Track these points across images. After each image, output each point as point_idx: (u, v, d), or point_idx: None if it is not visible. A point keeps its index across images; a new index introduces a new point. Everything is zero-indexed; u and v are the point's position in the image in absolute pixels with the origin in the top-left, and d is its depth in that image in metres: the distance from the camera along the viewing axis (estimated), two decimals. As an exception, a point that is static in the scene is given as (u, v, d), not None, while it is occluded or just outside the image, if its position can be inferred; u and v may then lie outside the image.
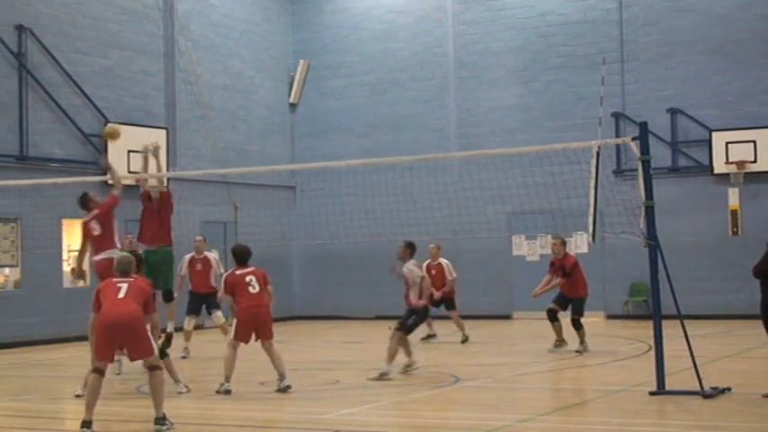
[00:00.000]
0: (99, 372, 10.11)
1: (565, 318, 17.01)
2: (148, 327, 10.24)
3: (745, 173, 23.11)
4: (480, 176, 22.52)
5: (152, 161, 15.15)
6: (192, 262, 17.75)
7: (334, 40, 27.73)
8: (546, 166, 20.69)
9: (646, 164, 11.94)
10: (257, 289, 12.57)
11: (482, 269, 25.43)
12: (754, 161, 22.98)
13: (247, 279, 12.57)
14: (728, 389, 11.64)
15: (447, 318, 19.56)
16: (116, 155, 22.23)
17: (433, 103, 26.58)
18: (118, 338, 10.08)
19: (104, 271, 12.52)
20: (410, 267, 14.23)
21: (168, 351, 12.95)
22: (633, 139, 12.24)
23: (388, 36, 27.13)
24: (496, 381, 13.79)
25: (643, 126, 12.22)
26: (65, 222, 21.79)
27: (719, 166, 23.31)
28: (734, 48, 23.65)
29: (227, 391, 12.33)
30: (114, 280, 10.42)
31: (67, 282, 22.05)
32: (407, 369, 14.05)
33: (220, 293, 14.79)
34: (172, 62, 24.42)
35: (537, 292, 17.34)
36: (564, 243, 17.33)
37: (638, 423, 10.15)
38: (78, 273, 13.59)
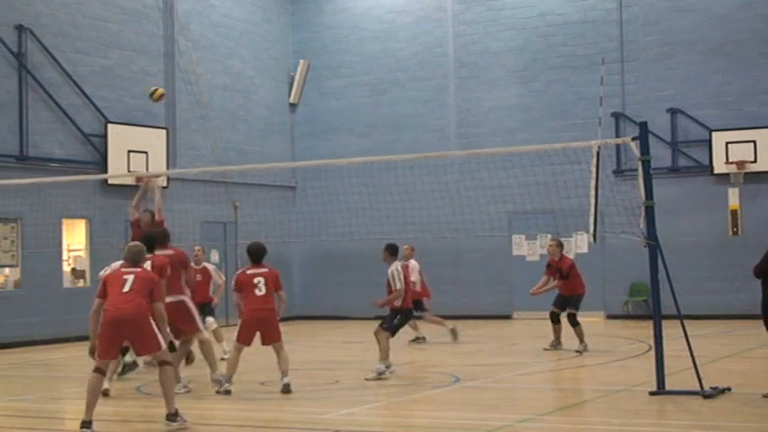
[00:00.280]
0: (100, 371, 10.03)
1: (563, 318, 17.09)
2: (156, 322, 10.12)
3: (745, 173, 23.11)
4: (481, 176, 22.52)
5: (157, 192, 14.95)
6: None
7: (334, 40, 27.72)
8: (546, 166, 20.71)
9: (646, 164, 11.94)
10: (263, 291, 12.51)
11: (482, 269, 25.44)
12: (754, 161, 22.98)
13: (255, 281, 12.52)
14: (728, 389, 11.64)
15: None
16: (116, 154, 22.31)
17: (433, 103, 26.58)
18: (122, 335, 9.98)
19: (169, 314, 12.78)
20: (395, 269, 14.13)
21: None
22: (633, 139, 12.25)
23: (388, 36, 27.12)
24: (496, 381, 13.79)
25: (643, 126, 12.22)
26: (65, 222, 21.81)
27: (719, 166, 23.31)
28: (734, 48, 23.65)
29: (227, 392, 12.32)
30: (122, 270, 10.27)
31: (67, 282, 22.07)
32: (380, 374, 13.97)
33: (216, 300, 14.71)
34: (172, 62, 24.42)
35: (534, 291, 17.47)
36: (560, 245, 17.37)
37: (638, 423, 10.15)
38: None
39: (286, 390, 12.29)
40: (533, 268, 24.14)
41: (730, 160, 23.14)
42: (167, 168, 22.97)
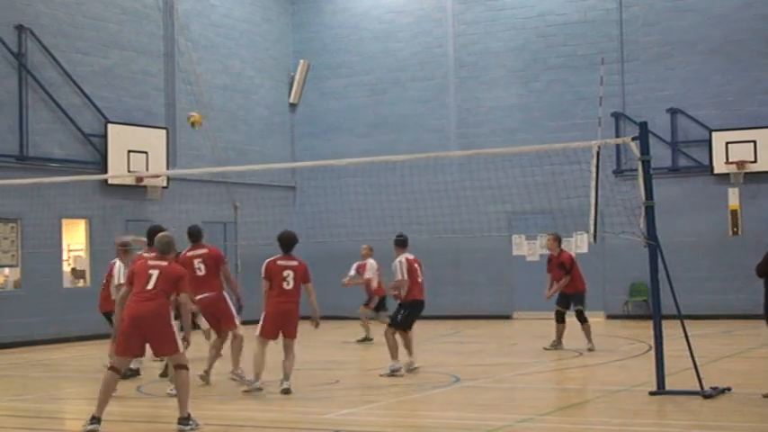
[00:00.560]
0: (115, 370, 9.99)
1: (570, 317, 17.11)
2: (176, 321, 10.10)
3: (745, 173, 23.11)
4: (480, 176, 22.51)
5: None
6: None
7: (334, 40, 27.72)
8: (546, 166, 20.71)
9: (646, 164, 11.93)
10: (291, 285, 12.34)
11: (482, 269, 25.44)
12: (754, 161, 22.98)
13: (285, 273, 12.35)
14: (728, 389, 11.64)
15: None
16: (116, 154, 22.31)
17: (433, 103, 26.58)
18: (141, 333, 9.89)
19: (208, 310, 13.20)
20: (399, 261, 14.19)
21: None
22: (633, 139, 12.24)
23: (388, 36, 27.12)
24: (496, 381, 13.79)
25: (643, 126, 12.22)
26: (65, 222, 21.80)
27: (719, 166, 23.30)
28: (734, 48, 23.65)
29: (259, 389, 12.27)
30: (150, 263, 10.16)
31: (67, 282, 22.07)
32: (409, 368, 14.06)
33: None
34: (172, 62, 24.42)
35: (548, 295, 17.43)
36: (557, 239, 17.40)
37: (638, 423, 10.15)
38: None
39: (285, 392, 12.27)
40: (533, 268, 24.16)
41: (730, 160, 23.14)
42: (167, 168, 22.96)
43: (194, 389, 12.73)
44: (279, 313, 12.36)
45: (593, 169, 12.13)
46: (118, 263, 16.05)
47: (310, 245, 26.24)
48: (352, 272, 20.05)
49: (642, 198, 11.94)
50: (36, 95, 21.28)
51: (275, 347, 12.70)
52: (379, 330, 19.28)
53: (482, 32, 26.06)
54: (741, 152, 23.06)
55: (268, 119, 27.41)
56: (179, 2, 24.63)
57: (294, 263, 12.48)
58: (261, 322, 12.47)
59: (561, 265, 17.07)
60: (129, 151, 22.44)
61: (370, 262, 19.60)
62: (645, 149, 11.98)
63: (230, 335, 13.20)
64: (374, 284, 19.61)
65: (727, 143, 23.19)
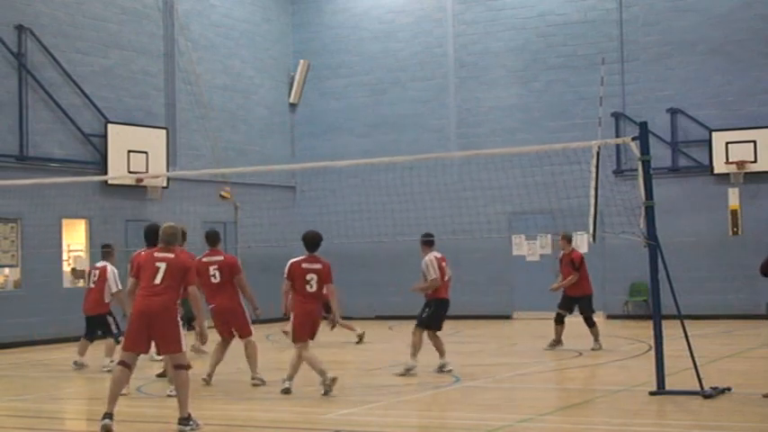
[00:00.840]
0: (125, 364, 9.95)
1: (575, 318, 17.11)
2: (181, 315, 10.11)
3: (745, 173, 23.11)
4: (480, 176, 22.49)
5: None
6: None
7: (334, 40, 27.72)
8: (546, 166, 20.69)
9: (646, 164, 11.93)
10: (314, 289, 12.34)
11: (482, 269, 25.42)
12: (755, 161, 22.98)
13: (308, 277, 12.35)
14: (728, 389, 11.64)
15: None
16: (116, 154, 22.31)
17: (433, 103, 26.58)
18: (149, 328, 9.85)
19: (224, 317, 13.27)
20: (429, 259, 14.23)
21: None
22: (633, 139, 12.25)
23: (388, 36, 27.12)
24: (496, 381, 13.79)
25: (643, 126, 12.22)
26: (65, 222, 21.80)
27: (719, 166, 23.30)
28: (734, 48, 23.65)
29: (287, 390, 12.22)
30: (156, 255, 10.08)
31: (67, 282, 22.06)
32: (441, 369, 14.08)
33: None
34: (172, 62, 24.42)
35: (554, 286, 17.57)
36: (567, 239, 17.44)
37: (638, 423, 10.15)
38: None
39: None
40: (533, 268, 24.18)
41: (730, 160, 23.14)
42: (167, 168, 22.96)
43: (195, 389, 12.74)
44: (305, 315, 12.33)
45: (593, 169, 12.13)
46: (110, 267, 16.06)
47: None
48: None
49: (642, 198, 11.94)
50: (36, 95, 21.28)
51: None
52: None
53: (482, 32, 26.06)
54: (741, 152, 23.05)
55: (268, 119, 27.41)
56: (179, 2, 24.63)
57: (318, 266, 12.45)
58: (292, 329, 12.39)
59: (571, 263, 17.12)
60: (129, 151, 22.44)
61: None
62: (645, 149, 11.97)
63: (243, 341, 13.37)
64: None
65: (727, 143, 23.18)
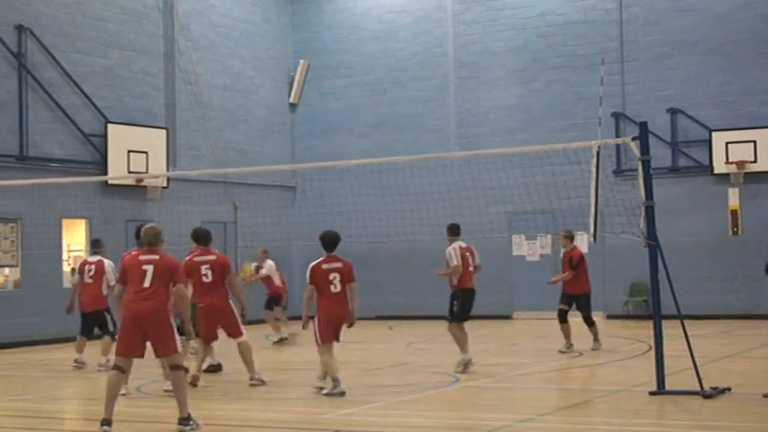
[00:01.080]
0: (119, 369, 9.95)
1: (575, 318, 17.09)
2: (173, 316, 10.07)
3: (745, 173, 23.11)
4: (480, 176, 22.51)
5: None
6: None
7: (334, 40, 27.72)
8: (546, 166, 20.69)
9: (646, 164, 11.93)
10: (338, 289, 12.19)
11: (482, 269, 25.35)
12: (755, 161, 22.98)
13: (331, 277, 12.19)
14: (728, 389, 11.63)
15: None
16: (116, 155, 22.32)
17: (433, 103, 26.58)
18: (143, 332, 9.83)
19: (214, 317, 13.12)
20: (452, 248, 14.41)
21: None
22: (633, 139, 12.24)
23: (388, 36, 27.12)
24: (496, 381, 13.79)
25: (643, 126, 12.21)
26: (65, 222, 21.81)
27: (719, 166, 23.30)
28: (734, 48, 23.65)
29: (342, 393, 12.01)
30: (141, 258, 10.02)
31: (67, 282, 22.02)
32: (466, 367, 14.13)
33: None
34: (172, 62, 24.42)
35: (553, 279, 17.65)
36: (569, 237, 17.41)
37: (638, 423, 10.15)
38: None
39: (341, 394, 12.02)
40: (533, 268, 24.18)
41: (730, 160, 23.14)
42: (167, 168, 22.96)
43: (195, 389, 12.74)
44: (332, 316, 12.20)
45: (594, 169, 12.13)
46: (106, 261, 16.04)
47: (310, 245, 26.26)
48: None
49: (642, 198, 11.93)
50: (36, 95, 21.28)
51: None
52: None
53: (482, 32, 26.06)
54: (741, 152, 23.05)
55: (268, 119, 27.41)
56: (179, 2, 24.63)
57: (339, 264, 12.29)
58: (317, 330, 12.21)
59: (570, 260, 17.09)
60: (129, 151, 22.45)
61: (269, 263, 19.62)
62: (645, 149, 11.97)
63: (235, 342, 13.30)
64: (277, 282, 19.62)
65: (727, 143, 23.19)
